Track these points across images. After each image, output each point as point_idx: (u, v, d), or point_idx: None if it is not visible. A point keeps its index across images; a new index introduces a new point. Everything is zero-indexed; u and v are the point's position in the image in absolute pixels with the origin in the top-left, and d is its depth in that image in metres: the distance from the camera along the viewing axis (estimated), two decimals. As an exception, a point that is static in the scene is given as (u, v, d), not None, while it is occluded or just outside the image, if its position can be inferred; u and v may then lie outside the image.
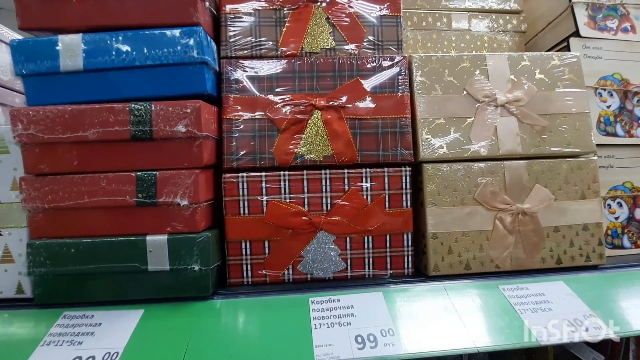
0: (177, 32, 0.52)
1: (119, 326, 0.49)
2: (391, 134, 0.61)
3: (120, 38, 0.51)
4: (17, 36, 0.96)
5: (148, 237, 0.52)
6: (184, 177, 0.52)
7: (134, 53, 0.51)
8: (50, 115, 0.50)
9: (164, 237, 0.52)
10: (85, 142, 0.51)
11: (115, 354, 0.46)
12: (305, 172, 0.59)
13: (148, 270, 0.52)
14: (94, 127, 0.50)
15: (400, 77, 0.61)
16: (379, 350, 0.47)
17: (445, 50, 0.78)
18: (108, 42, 0.51)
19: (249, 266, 0.59)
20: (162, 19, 0.52)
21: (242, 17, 0.61)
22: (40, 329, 0.49)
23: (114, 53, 0.51)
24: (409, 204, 0.61)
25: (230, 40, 0.61)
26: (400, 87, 0.61)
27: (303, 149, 0.60)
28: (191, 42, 0.52)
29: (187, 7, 0.52)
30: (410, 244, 0.61)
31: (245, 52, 0.61)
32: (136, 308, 0.52)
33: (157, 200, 0.52)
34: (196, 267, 0.52)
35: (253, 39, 0.61)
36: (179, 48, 0.52)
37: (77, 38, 0.51)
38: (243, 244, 0.59)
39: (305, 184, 0.59)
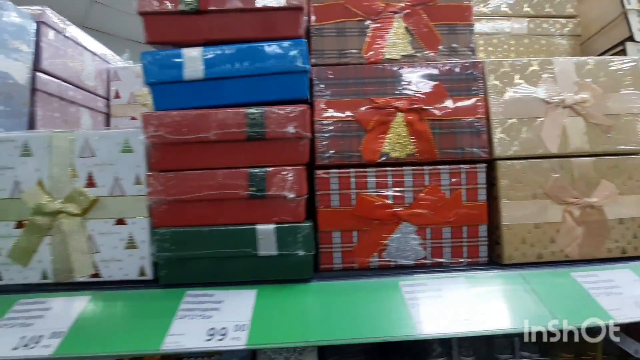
0: (285, 44, 0.58)
1: (239, 303, 0.56)
2: (468, 133, 0.66)
3: (235, 50, 0.58)
4: (105, 50, 1.05)
5: (258, 226, 0.59)
6: (290, 173, 0.58)
7: (247, 63, 0.58)
8: (178, 118, 0.57)
9: (272, 226, 0.59)
10: (206, 142, 0.58)
11: (244, 326, 0.53)
12: (389, 168, 0.65)
13: (259, 255, 0.59)
14: (215, 129, 0.57)
15: (475, 81, 0.67)
16: (476, 325, 0.53)
17: (505, 54, 0.83)
18: (225, 54, 0.58)
19: (338, 254, 0.66)
20: (271, 32, 0.59)
21: (329, 28, 0.68)
22: (171, 305, 0.56)
23: (230, 64, 0.58)
24: (484, 197, 0.66)
25: (319, 48, 0.67)
26: (475, 90, 0.67)
27: (388, 147, 0.66)
28: (296, 53, 0.58)
29: (293, 22, 0.59)
30: (485, 234, 0.67)
31: (333, 59, 0.68)
32: (249, 288, 0.59)
33: (266, 194, 0.59)
34: (301, 253, 0.59)
35: (339, 48, 0.68)
36: (286, 59, 0.58)
37: (198, 50, 0.58)
38: (333, 234, 0.65)
39: (389, 179, 0.65)
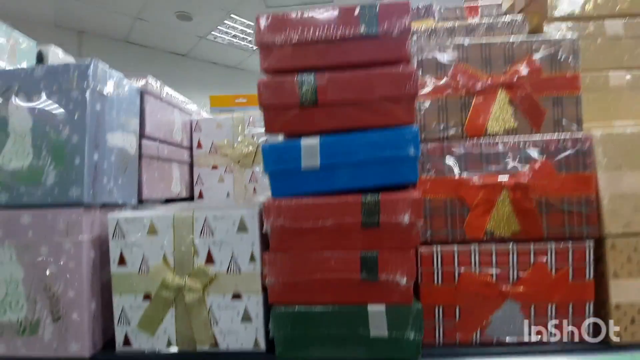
0: (398, 133, 0.60)
1: (356, 384, 0.59)
2: (576, 211, 0.65)
3: (351, 140, 0.60)
4: (184, 99, 1.10)
5: (369, 307, 0.62)
6: (402, 258, 0.60)
7: (362, 152, 0.60)
8: (296, 207, 0.61)
9: (382, 308, 0.61)
10: (323, 229, 0.61)
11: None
12: (494, 246, 0.66)
13: (370, 336, 0.62)
14: (331, 217, 0.60)
15: (584, 156, 0.65)
16: None
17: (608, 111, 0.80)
18: (341, 143, 0.61)
19: (441, 329, 0.67)
20: (384, 120, 0.60)
21: (430, 104, 0.68)
22: (292, 383, 0.60)
23: (345, 153, 0.60)
24: (591, 275, 0.65)
25: (420, 124, 0.68)
26: (584, 166, 0.65)
27: (492, 225, 0.66)
28: (409, 141, 0.60)
29: (407, 110, 0.60)
30: (591, 313, 0.66)
31: (434, 134, 0.69)
32: (361, 367, 0.62)
33: (378, 277, 0.61)
34: (412, 335, 0.61)
35: (441, 124, 0.68)
36: (398, 146, 0.60)
37: (315, 142, 0.61)
38: (436, 309, 0.67)
39: (493, 257, 0.66)
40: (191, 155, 1.10)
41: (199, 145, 1.09)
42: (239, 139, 1.07)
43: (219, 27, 4.49)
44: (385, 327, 0.62)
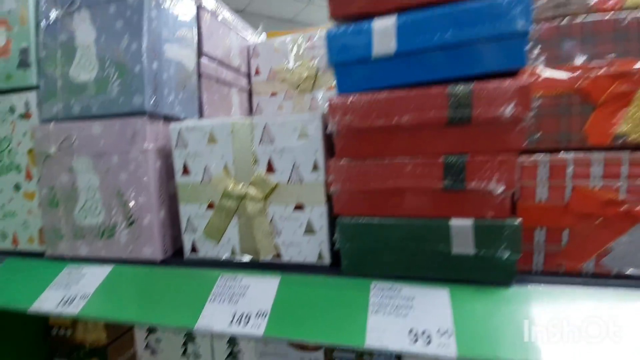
0: (502, 1, 0.46)
1: (433, 303, 0.52)
2: None
3: (437, 14, 0.48)
4: (242, 25, 1.04)
5: (452, 222, 0.52)
6: (500, 162, 0.49)
7: (451, 30, 0.48)
8: (366, 103, 0.52)
9: (469, 222, 0.52)
10: (398, 128, 0.52)
11: (447, 332, 0.48)
12: (626, 153, 0.50)
13: (451, 253, 0.53)
14: (410, 112, 0.50)
15: None
16: None
17: None
18: (424, 20, 0.49)
19: (541, 255, 0.56)
20: (482, -14, 0.47)
21: (546, -30, 0.52)
22: (360, 297, 0.55)
23: (429, 32, 0.49)
24: None
25: None
26: None
27: (626, 127, 0.50)
28: (518, 10, 0.46)
29: (514, -32, 0.46)
30: None
31: (548, 11, 0.53)
32: (440, 286, 0.54)
33: (465, 186, 0.51)
34: (504, 255, 0.51)
35: (559, -5, 0.52)
36: (502, 19, 0.46)
37: (391, 20, 0.50)
38: (537, 232, 0.55)
39: (624, 168, 0.51)
40: (249, 83, 1.06)
41: (257, 72, 1.04)
42: (297, 62, 0.99)
43: (273, -23, 4.33)
44: (471, 245, 0.52)
